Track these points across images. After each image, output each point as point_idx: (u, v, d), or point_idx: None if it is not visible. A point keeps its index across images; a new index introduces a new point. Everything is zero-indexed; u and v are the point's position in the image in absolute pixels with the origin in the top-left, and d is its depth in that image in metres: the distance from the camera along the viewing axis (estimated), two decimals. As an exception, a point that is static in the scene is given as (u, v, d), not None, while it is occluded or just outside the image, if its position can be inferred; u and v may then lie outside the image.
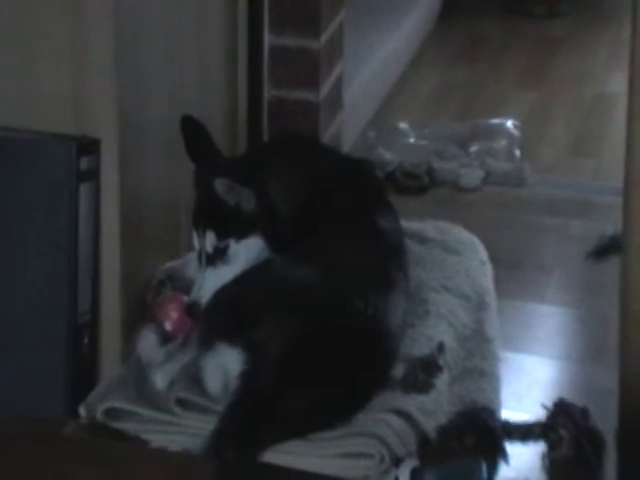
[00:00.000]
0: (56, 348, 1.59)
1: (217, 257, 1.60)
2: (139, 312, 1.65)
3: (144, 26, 1.66)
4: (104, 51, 1.56)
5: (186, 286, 1.66)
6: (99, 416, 1.52)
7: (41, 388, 1.60)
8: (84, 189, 1.59)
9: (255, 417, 1.45)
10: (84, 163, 1.58)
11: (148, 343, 1.58)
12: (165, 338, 1.58)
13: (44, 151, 1.58)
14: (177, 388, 1.52)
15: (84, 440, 1.48)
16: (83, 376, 1.61)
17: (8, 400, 1.60)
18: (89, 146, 1.59)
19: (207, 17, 1.89)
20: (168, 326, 1.60)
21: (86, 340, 1.61)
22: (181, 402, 1.51)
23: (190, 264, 1.68)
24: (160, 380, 1.52)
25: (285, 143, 1.74)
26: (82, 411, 1.53)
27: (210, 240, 1.60)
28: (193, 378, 1.52)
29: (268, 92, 2.11)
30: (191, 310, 1.59)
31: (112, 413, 1.53)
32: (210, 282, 1.60)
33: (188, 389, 1.52)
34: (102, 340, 1.63)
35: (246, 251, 1.60)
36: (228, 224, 1.60)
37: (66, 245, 1.58)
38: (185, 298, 1.63)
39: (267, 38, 2.09)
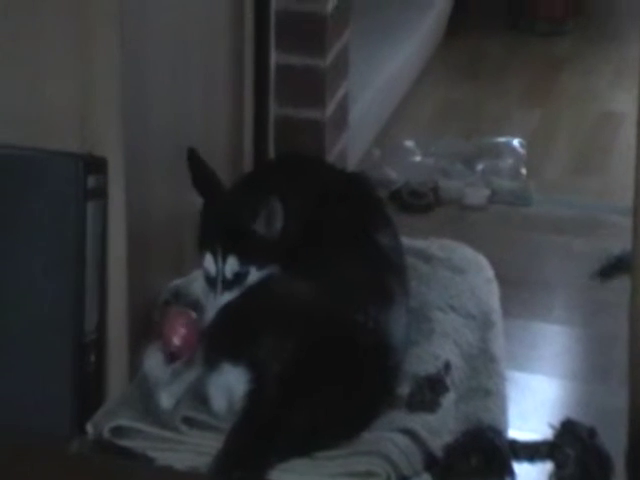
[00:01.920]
0: (63, 365, 1.60)
1: (236, 283, 1.58)
2: (145, 330, 1.66)
3: (150, 45, 1.67)
4: (110, 70, 1.58)
5: (192, 303, 1.67)
6: (106, 434, 1.53)
7: (48, 405, 1.61)
8: (91, 207, 1.60)
9: (261, 436, 1.45)
10: (91, 181, 1.59)
11: (154, 362, 1.58)
12: (172, 356, 1.59)
13: (51, 169, 1.59)
14: (183, 407, 1.53)
15: (91, 457, 1.49)
16: (89, 394, 1.62)
17: (15, 417, 1.61)
18: (96, 165, 1.60)
19: (213, 36, 1.91)
20: (176, 341, 1.60)
21: (93, 358, 1.62)
22: (187, 420, 1.52)
23: (196, 282, 1.69)
24: (166, 400, 1.53)
25: (283, 162, 1.75)
26: (89, 429, 1.54)
27: (232, 266, 1.58)
28: (199, 397, 1.52)
29: (274, 110, 2.13)
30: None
31: (119, 431, 1.53)
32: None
33: (194, 408, 1.52)
34: (108, 358, 1.64)
35: (263, 278, 1.60)
36: (253, 250, 1.58)
37: (73, 263, 1.59)
38: (193, 314, 1.64)
39: (273, 57, 2.11)
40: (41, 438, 1.55)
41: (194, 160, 1.66)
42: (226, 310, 1.56)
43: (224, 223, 1.62)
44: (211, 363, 1.50)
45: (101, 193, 1.61)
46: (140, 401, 1.56)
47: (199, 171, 1.66)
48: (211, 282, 1.61)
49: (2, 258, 1.62)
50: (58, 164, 1.59)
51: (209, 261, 1.60)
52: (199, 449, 1.49)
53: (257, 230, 1.59)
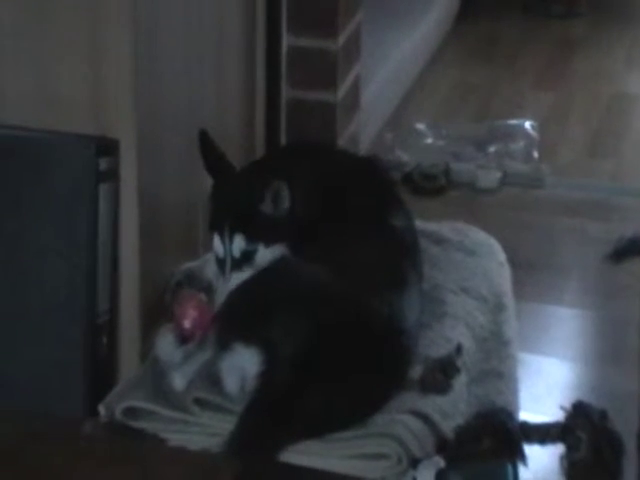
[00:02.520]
0: (75, 348, 1.61)
1: (244, 261, 1.59)
2: (157, 312, 1.66)
3: (163, 28, 1.67)
4: (123, 52, 1.57)
5: (205, 286, 1.67)
6: (118, 415, 1.53)
7: (60, 387, 1.62)
8: (103, 189, 1.60)
9: (273, 417, 1.45)
10: (103, 163, 1.59)
11: (166, 343, 1.58)
12: (183, 338, 1.59)
13: (63, 151, 1.59)
14: (195, 388, 1.53)
15: (103, 439, 1.49)
16: (102, 375, 1.63)
17: (27, 399, 1.62)
18: (108, 147, 1.60)
19: (225, 19, 1.91)
20: (187, 324, 1.60)
21: (105, 340, 1.63)
22: (199, 402, 1.52)
23: (208, 265, 1.69)
24: (179, 381, 1.53)
25: (295, 147, 1.75)
26: (101, 410, 1.55)
27: (239, 244, 1.59)
28: (211, 378, 1.53)
29: (286, 93, 2.13)
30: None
31: (131, 412, 1.54)
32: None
33: (206, 389, 1.52)
34: (121, 340, 1.65)
35: (272, 257, 1.60)
36: (260, 228, 1.59)
37: (85, 245, 1.60)
38: (204, 297, 1.64)
39: (285, 39, 2.11)
40: (53, 420, 1.56)
41: (205, 142, 1.66)
42: (239, 291, 1.56)
43: (231, 204, 1.62)
44: (223, 344, 1.50)
45: (113, 175, 1.61)
46: (152, 382, 1.56)
47: (210, 153, 1.66)
48: (220, 263, 1.61)
49: (14, 240, 1.62)
50: (70, 146, 1.60)
51: (217, 242, 1.61)
52: (211, 430, 1.49)
53: (263, 210, 1.59)
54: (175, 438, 1.51)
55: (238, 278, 1.60)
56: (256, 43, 2.03)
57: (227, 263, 1.61)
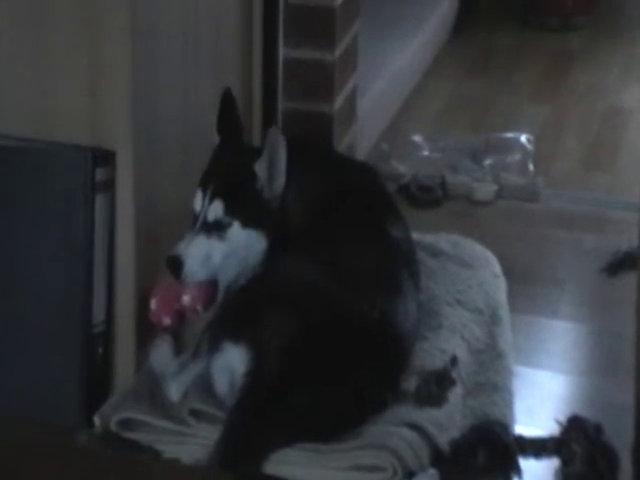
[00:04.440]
0: (71, 357, 1.61)
1: (215, 230, 1.58)
2: (153, 323, 1.66)
3: (160, 39, 1.68)
4: (120, 64, 1.58)
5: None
6: (113, 426, 1.54)
7: (55, 397, 1.62)
8: (99, 200, 1.61)
9: (259, 415, 1.45)
10: (99, 174, 1.60)
11: (161, 354, 1.59)
12: (178, 349, 1.60)
13: (60, 162, 1.60)
14: (191, 399, 1.53)
15: (98, 450, 1.50)
16: (97, 386, 1.63)
17: (22, 408, 1.62)
18: (104, 157, 1.61)
19: (222, 30, 1.92)
20: (153, 305, 1.60)
21: (100, 350, 1.63)
22: (195, 413, 1.53)
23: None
24: (174, 391, 1.53)
25: (298, 149, 1.75)
26: (96, 421, 1.55)
27: (215, 209, 1.58)
28: (206, 389, 1.53)
29: (282, 104, 2.13)
30: (171, 264, 1.57)
31: (126, 423, 1.54)
32: (197, 249, 1.59)
33: (202, 400, 1.53)
34: (116, 350, 1.65)
35: (246, 242, 1.59)
36: (243, 204, 1.59)
37: (81, 255, 1.60)
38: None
39: (282, 51, 2.12)
40: (48, 430, 1.56)
41: (226, 101, 1.66)
42: (233, 296, 1.56)
43: (224, 169, 1.61)
44: (214, 344, 1.50)
45: (109, 186, 1.62)
46: (147, 393, 1.57)
47: (227, 111, 1.66)
48: (194, 219, 1.61)
49: (11, 250, 1.63)
50: (67, 157, 1.60)
51: (198, 198, 1.61)
52: (207, 442, 1.50)
53: (253, 188, 1.58)
54: (170, 449, 1.52)
55: (201, 243, 1.58)
56: (253, 54, 2.04)
57: (198, 222, 1.59)
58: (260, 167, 1.61)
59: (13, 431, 1.45)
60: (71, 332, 1.61)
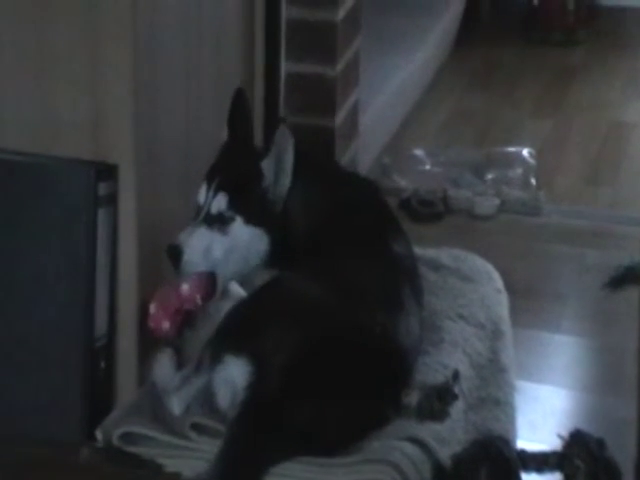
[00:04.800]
0: (73, 372, 1.62)
1: (217, 223, 1.59)
2: (155, 337, 1.67)
3: (162, 53, 1.69)
4: (122, 77, 1.59)
5: (199, 312, 1.68)
6: (115, 440, 1.54)
7: (57, 412, 1.62)
8: (102, 214, 1.61)
9: (260, 429, 1.45)
10: (102, 189, 1.61)
11: (163, 368, 1.60)
12: (180, 363, 1.60)
13: (62, 176, 1.61)
14: (192, 413, 1.54)
15: (100, 465, 1.50)
16: (99, 400, 1.64)
17: (24, 424, 1.63)
18: (107, 172, 1.62)
19: (224, 45, 1.93)
20: (152, 309, 1.61)
21: (103, 364, 1.63)
22: (196, 427, 1.53)
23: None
24: (176, 405, 1.54)
25: (303, 159, 1.75)
26: (98, 435, 1.56)
27: (219, 203, 1.59)
28: (208, 403, 1.54)
29: (284, 119, 2.14)
30: (171, 252, 1.58)
31: (128, 437, 1.55)
32: (198, 240, 1.59)
33: (203, 414, 1.54)
34: (118, 364, 1.66)
35: (248, 238, 1.60)
36: (247, 200, 1.60)
37: (84, 270, 1.61)
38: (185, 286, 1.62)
39: (284, 65, 2.13)
40: (50, 444, 1.57)
41: (239, 98, 1.68)
42: (234, 309, 1.57)
43: (231, 163, 1.62)
44: (215, 357, 1.51)
45: (112, 200, 1.63)
46: (149, 408, 1.57)
47: (238, 109, 1.67)
48: (197, 211, 1.61)
49: (13, 264, 1.64)
50: (69, 171, 1.61)
51: (202, 190, 1.62)
52: (208, 456, 1.50)
53: (259, 186, 1.59)
54: (172, 464, 1.52)
55: (202, 235, 1.59)
56: (255, 68, 2.05)
57: (201, 214, 1.60)
58: (267, 165, 1.62)
59: (15, 446, 1.45)
60: (73, 346, 1.62)
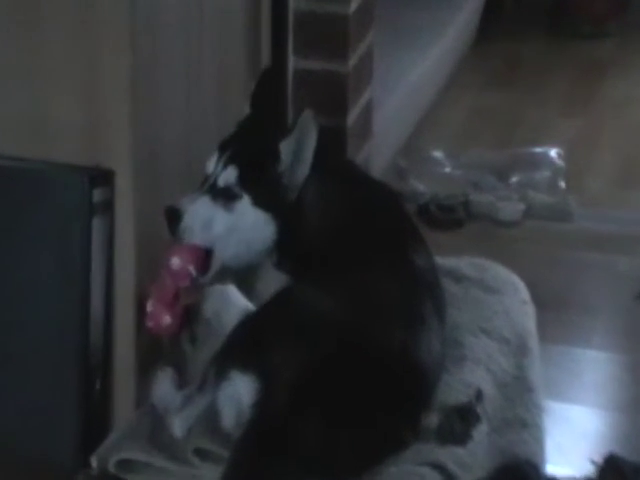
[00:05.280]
0: (66, 392, 1.62)
1: (222, 196, 1.59)
2: (154, 354, 1.68)
3: (161, 52, 1.70)
4: (120, 78, 1.60)
5: (202, 327, 1.68)
6: (111, 468, 1.54)
7: (49, 435, 1.63)
8: (97, 222, 1.62)
9: (266, 451, 1.44)
10: (97, 195, 1.62)
11: (164, 387, 1.60)
12: (181, 382, 1.60)
13: (55, 182, 1.62)
14: (195, 436, 1.54)
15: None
16: (94, 422, 1.64)
17: (17, 446, 1.64)
18: (102, 177, 1.63)
19: (228, 40, 1.94)
20: (149, 306, 1.60)
21: (98, 384, 1.64)
22: (199, 452, 1.54)
23: (208, 299, 1.70)
24: (178, 427, 1.54)
25: (323, 156, 1.74)
26: (93, 462, 1.56)
27: (228, 176, 1.59)
28: (212, 424, 1.54)
29: (293, 118, 2.15)
30: (169, 215, 1.58)
31: (125, 464, 1.55)
32: (200, 209, 1.59)
33: (207, 437, 1.54)
34: (115, 383, 1.66)
35: (253, 221, 1.60)
36: (258, 180, 1.59)
37: (78, 282, 1.62)
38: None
39: (292, 61, 2.14)
40: (43, 470, 1.57)
41: (266, 75, 1.69)
42: (241, 323, 1.57)
43: (250, 136, 1.62)
44: (220, 373, 1.51)
45: (108, 208, 1.64)
46: (148, 431, 1.57)
47: (264, 86, 1.67)
48: (204, 180, 1.61)
49: (3, 277, 1.65)
50: (62, 177, 1.62)
51: (213, 159, 1.62)
52: (212, 483, 1.51)
53: (273, 168, 1.59)
54: (172, 491, 1.53)
55: (205, 205, 1.58)
56: (261, 65, 2.06)
57: (207, 183, 1.60)
58: (285, 148, 1.62)
59: (7, 472, 1.45)
60: (67, 364, 1.63)
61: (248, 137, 1.64)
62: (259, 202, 1.60)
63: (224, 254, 1.62)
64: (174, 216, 1.59)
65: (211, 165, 1.61)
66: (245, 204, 1.60)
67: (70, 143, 1.63)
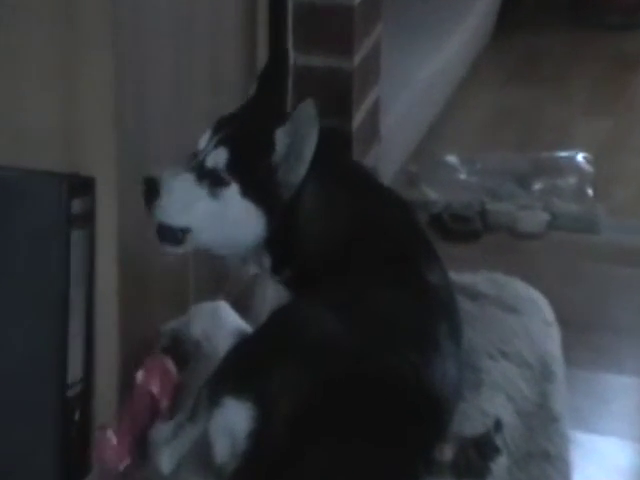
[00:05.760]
0: (42, 426, 1.61)
1: (208, 179, 1.58)
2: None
3: (148, 46, 1.69)
4: (102, 78, 1.60)
5: (192, 348, 1.68)
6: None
7: (25, 473, 1.62)
8: (76, 236, 1.62)
9: None
10: (76, 206, 1.61)
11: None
12: (153, 408, 1.59)
13: (30, 192, 1.61)
14: (184, 472, 1.53)
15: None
16: (74, 459, 1.63)
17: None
18: (82, 186, 1.62)
19: (221, 34, 1.94)
20: (155, 389, 1.60)
21: (77, 416, 1.63)
22: (189, 490, 1.53)
23: (195, 320, 1.69)
24: (166, 462, 1.53)
25: (326, 156, 1.71)
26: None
27: (217, 157, 1.58)
28: (203, 458, 1.53)
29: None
30: (147, 185, 1.56)
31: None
32: (181, 187, 1.57)
33: (198, 473, 1.53)
34: (96, 414, 1.65)
35: (239, 213, 1.58)
36: (249, 169, 1.59)
37: (55, 302, 1.61)
38: (169, 362, 1.62)
39: (292, 58, 2.13)
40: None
41: (276, 57, 1.70)
42: (237, 345, 1.57)
43: (247, 120, 1.62)
44: (213, 400, 1.50)
45: (88, 219, 1.63)
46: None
47: (272, 69, 1.67)
48: (193, 155, 1.60)
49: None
50: (37, 186, 1.62)
51: (205, 136, 1.61)
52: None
53: (268, 159, 1.58)
54: (159, 534, 1.51)
55: (188, 183, 1.57)
56: (257, 62, 2.06)
57: (194, 159, 1.59)
58: (280, 136, 1.60)
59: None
60: (43, 395, 1.61)
61: (245, 120, 1.64)
62: (249, 193, 1.59)
63: (200, 238, 1.61)
64: (152, 189, 1.57)
65: (202, 142, 1.61)
66: (233, 193, 1.59)
67: (46, 148, 1.63)
